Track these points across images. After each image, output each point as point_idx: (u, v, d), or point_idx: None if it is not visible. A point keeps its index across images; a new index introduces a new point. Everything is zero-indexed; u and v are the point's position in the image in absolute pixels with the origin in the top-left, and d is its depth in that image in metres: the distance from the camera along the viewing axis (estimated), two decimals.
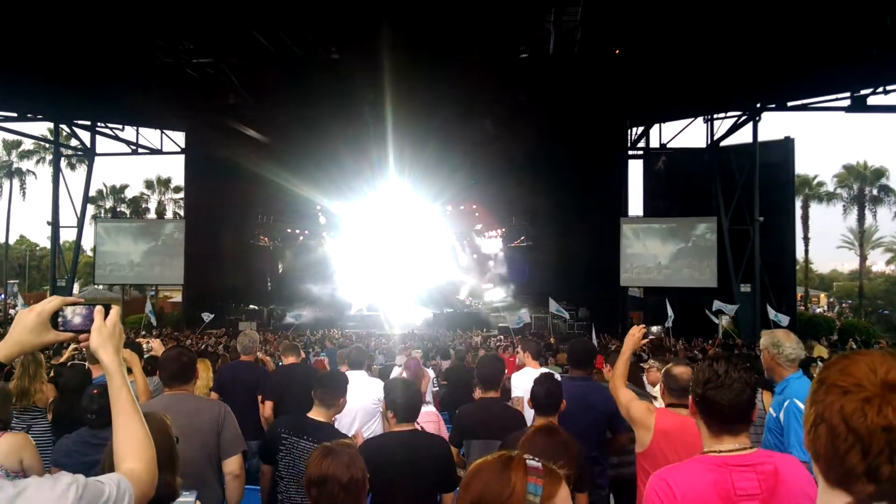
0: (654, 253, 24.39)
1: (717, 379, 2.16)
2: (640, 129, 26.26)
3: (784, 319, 17.21)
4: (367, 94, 20.78)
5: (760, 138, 22.23)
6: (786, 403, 3.60)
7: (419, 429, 3.78)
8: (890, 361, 1.08)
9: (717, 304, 16.63)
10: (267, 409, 5.84)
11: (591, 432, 4.37)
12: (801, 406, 3.24)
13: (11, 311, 36.47)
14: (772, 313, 16.97)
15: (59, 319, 1.61)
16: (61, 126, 25.89)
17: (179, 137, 27.52)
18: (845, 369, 1.09)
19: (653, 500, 2.14)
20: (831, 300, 57.67)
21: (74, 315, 1.63)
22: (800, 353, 3.90)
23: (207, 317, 19.76)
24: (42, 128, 32.56)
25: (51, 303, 1.62)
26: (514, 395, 5.53)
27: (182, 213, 37.85)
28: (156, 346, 5.09)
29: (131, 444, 1.54)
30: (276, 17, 16.72)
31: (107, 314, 1.64)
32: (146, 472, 1.51)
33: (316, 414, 3.76)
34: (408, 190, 28.46)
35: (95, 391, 4.07)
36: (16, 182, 49.16)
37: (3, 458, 3.48)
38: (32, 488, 1.26)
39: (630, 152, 26.79)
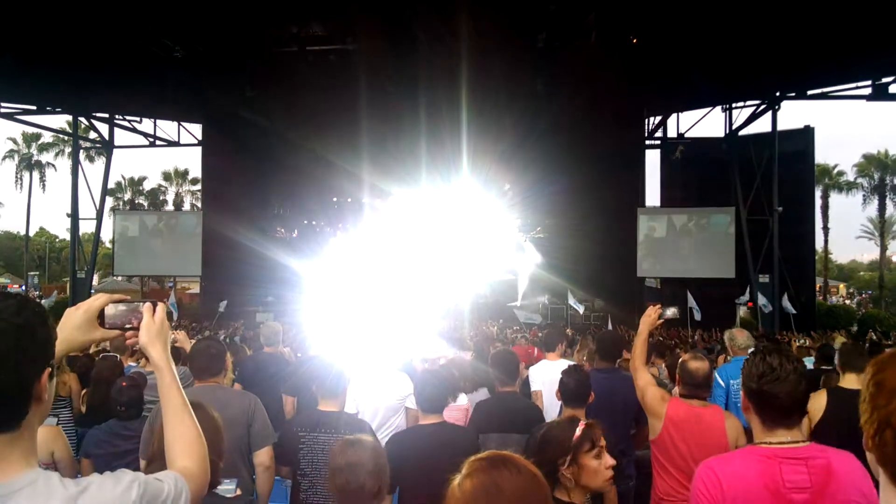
0: (672, 243, 24.24)
1: (773, 372, 2.14)
2: (658, 118, 26.07)
3: (789, 308, 17.14)
4: (384, 83, 20.78)
5: (779, 127, 22.00)
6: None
7: (447, 420, 3.81)
8: None
9: (761, 299, 16.53)
10: (287, 404, 5.87)
11: (620, 424, 4.39)
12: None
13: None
14: (786, 303, 16.91)
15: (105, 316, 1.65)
16: (80, 118, 26.09)
17: (197, 129, 27.70)
18: None
19: (699, 490, 2.15)
20: (851, 290, 57.15)
21: (118, 312, 1.66)
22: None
23: (222, 306, 19.88)
24: (61, 120, 32.86)
25: (98, 300, 1.65)
26: (533, 388, 5.54)
27: (200, 204, 38.10)
28: (180, 338, 5.16)
29: (183, 441, 1.57)
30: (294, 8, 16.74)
31: (154, 311, 1.67)
32: (199, 469, 1.54)
33: (325, 406, 3.81)
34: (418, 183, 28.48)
35: (124, 383, 4.15)
36: (35, 174, 49.79)
37: (38, 451, 3.55)
38: (95, 486, 1.28)
39: (647, 142, 26.60)
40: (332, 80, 20.68)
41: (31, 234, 55.92)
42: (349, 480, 2.44)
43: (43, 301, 25.04)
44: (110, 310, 1.65)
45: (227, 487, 2.74)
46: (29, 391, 1.24)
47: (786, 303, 17.24)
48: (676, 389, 3.85)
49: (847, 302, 49.83)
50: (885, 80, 19.22)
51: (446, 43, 18.12)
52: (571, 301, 17.78)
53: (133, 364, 5.88)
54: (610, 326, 15.49)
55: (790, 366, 2.14)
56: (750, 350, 5.71)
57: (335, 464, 2.49)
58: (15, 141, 49.45)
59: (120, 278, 38.53)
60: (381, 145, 25.39)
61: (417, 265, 35.99)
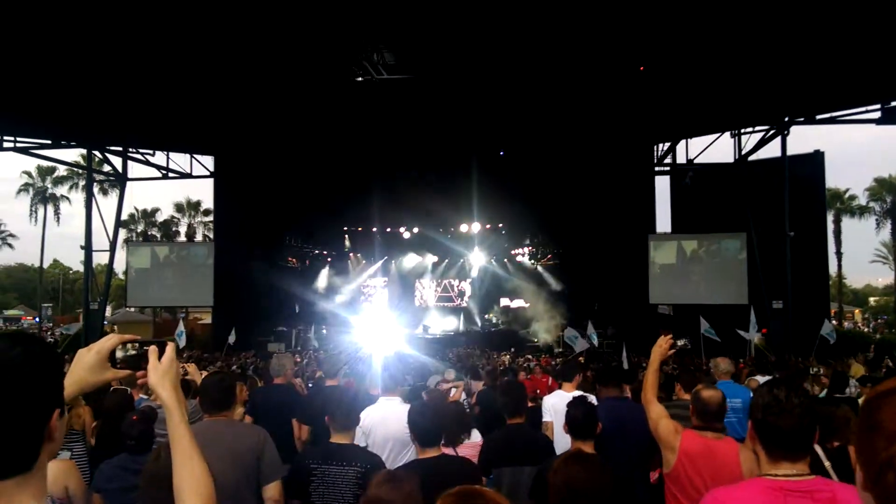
0: (683, 270, 24.14)
1: (778, 405, 2.13)
2: (667, 145, 26.12)
3: (833, 335, 16.85)
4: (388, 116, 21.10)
5: (789, 152, 21.96)
6: None
7: (447, 453, 3.78)
8: None
9: (826, 327, 16.38)
10: (304, 432, 5.85)
11: (632, 453, 4.35)
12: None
13: (46, 335, 37.13)
14: (826, 328, 16.60)
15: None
16: (94, 152, 26.46)
17: (209, 161, 28.00)
18: None
19: None
20: (866, 316, 56.53)
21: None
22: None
23: (232, 337, 19.92)
24: (75, 154, 33.29)
25: (109, 341, 1.67)
26: (544, 419, 5.49)
27: (211, 235, 38.39)
28: (191, 370, 5.16)
29: (191, 480, 1.57)
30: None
31: (162, 352, 1.69)
32: None
33: (338, 438, 3.79)
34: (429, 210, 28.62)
35: (135, 417, 4.16)
36: (50, 207, 50.39)
37: (50, 485, 3.53)
38: None
39: (657, 168, 26.63)
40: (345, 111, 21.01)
41: (45, 266, 56.41)
42: None
43: (65, 330, 25.17)
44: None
45: None
46: (40, 434, 1.25)
47: (828, 329, 16.95)
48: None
49: (863, 327, 49.25)
50: (894, 103, 19.22)
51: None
52: (589, 331, 17.65)
53: (144, 397, 5.89)
54: (624, 355, 15.34)
55: (796, 399, 2.13)
56: (732, 374, 6.81)
57: (369, 495, 2.44)
58: (30, 174, 50.18)
59: (133, 309, 38.73)
60: (392, 177, 25.66)
61: (429, 293, 36.09)
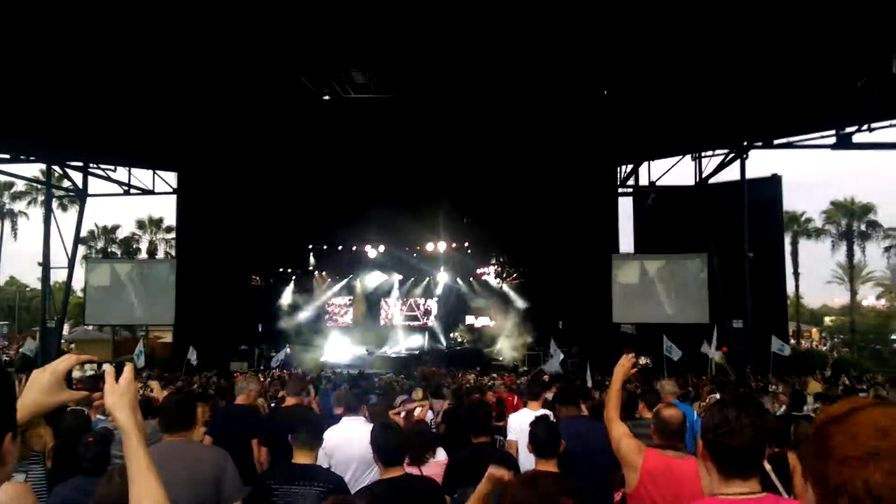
0: (646, 289, 24.47)
1: (728, 425, 2.15)
2: (630, 167, 26.57)
3: (786, 349, 17.25)
4: (355, 135, 21.14)
5: (748, 175, 22.49)
6: None
7: (410, 472, 3.77)
8: (890, 415, 1.07)
9: (775, 343, 16.69)
10: (263, 453, 5.78)
11: (595, 472, 4.37)
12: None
13: (1, 353, 36.08)
14: (775, 344, 17.00)
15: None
16: (53, 167, 25.95)
17: (171, 178, 27.62)
18: (853, 436, 1.07)
19: None
20: (823, 335, 57.79)
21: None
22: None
23: (192, 356, 19.56)
24: (34, 169, 32.66)
25: (64, 361, 1.64)
26: (508, 437, 5.50)
27: (174, 252, 37.78)
28: (155, 388, 5.08)
29: (150, 503, 1.56)
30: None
31: (120, 372, 1.67)
32: None
33: (301, 458, 3.76)
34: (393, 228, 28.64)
35: (91, 438, 4.07)
36: (7, 223, 49.17)
37: None
38: None
39: (620, 190, 27.05)
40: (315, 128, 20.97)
41: (1, 283, 54.95)
42: None
43: (27, 351, 24.50)
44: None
45: None
46: None
47: (777, 345, 17.30)
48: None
49: (820, 346, 50.34)
50: (848, 129, 19.83)
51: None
52: (552, 349, 17.74)
53: (101, 417, 5.76)
54: (588, 373, 15.45)
55: (747, 419, 2.15)
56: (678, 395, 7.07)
57: None
58: None
59: (91, 327, 37.86)
60: (358, 195, 25.59)
61: (396, 312, 35.97)
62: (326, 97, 18.49)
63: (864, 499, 1.01)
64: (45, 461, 5.11)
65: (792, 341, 30.02)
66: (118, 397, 1.63)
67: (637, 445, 3.54)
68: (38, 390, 1.59)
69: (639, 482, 3.39)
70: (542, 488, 2.47)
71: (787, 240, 41.27)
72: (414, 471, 3.87)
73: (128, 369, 1.68)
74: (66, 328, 33.45)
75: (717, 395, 8.47)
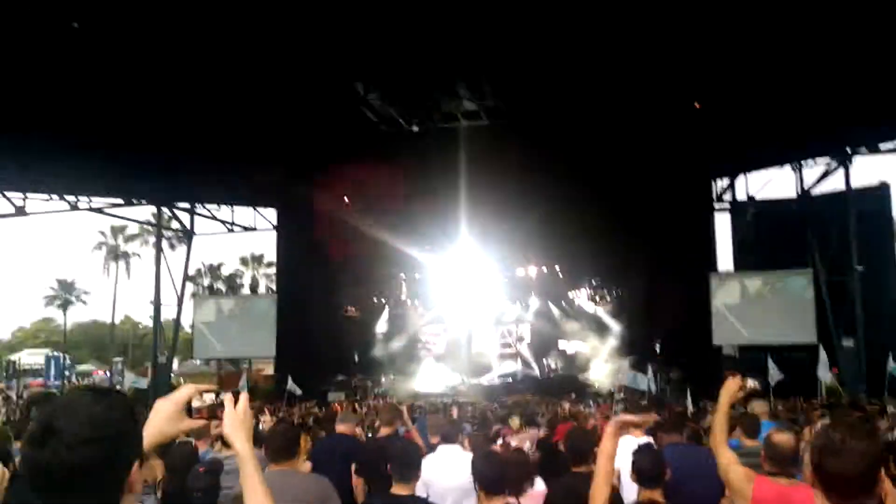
0: (747, 309, 23.40)
1: (833, 447, 2.03)
2: (726, 181, 25.70)
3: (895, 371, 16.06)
4: (446, 163, 21.45)
5: (854, 184, 21.36)
6: None
7: (511, 502, 3.75)
8: None
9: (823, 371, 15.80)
10: (359, 484, 5.85)
11: (706, 500, 4.23)
12: None
13: (118, 388, 38.16)
14: (891, 364, 15.88)
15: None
16: (163, 209, 27.55)
17: (272, 214, 28.78)
18: None
19: None
20: None
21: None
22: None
23: (292, 385, 20.05)
24: (146, 212, 34.73)
25: (185, 391, 1.72)
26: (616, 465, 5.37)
27: (274, 287, 39.16)
28: (267, 419, 5.26)
29: None
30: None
31: (237, 401, 1.76)
32: None
33: (399, 489, 3.80)
34: (484, 254, 28.69)
35: (202, 469, 4.26)
36: (121, 264, 52.42)
37: None
38: None
39: (716, 205, 26.17)
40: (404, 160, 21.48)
41: (117, 321, 58.40)
42: None
43: (135, 384, 25.80)
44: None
45: None
46: (120, 485, 1.31)
47: (893, 365, 16.17)
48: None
49: None
50: None
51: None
52: (648, 376, 17.15)
53: (209, 448, 6.00)
54: (689, 399, 14.89)
55: (853, 442, 2.01)
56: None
57: None
58: (103, 233, 52.43)
59: (198, 362, 39.58)
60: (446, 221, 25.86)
61: (486, 338, 35.85)
62: (415, 128, 18.95)
63: None
64: (156, 493, 5.37)
65: None
66: (238, 425, 1.72)
67: (746, 473, 3.41)
68: (161, 419, 1.67)
69: None
70: None
71: None
72: (513, 501, 3.85)
73: (243, 398, 1.77)
74: (175, 363, 35.09)
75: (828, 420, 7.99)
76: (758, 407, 6.52)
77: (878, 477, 2.04)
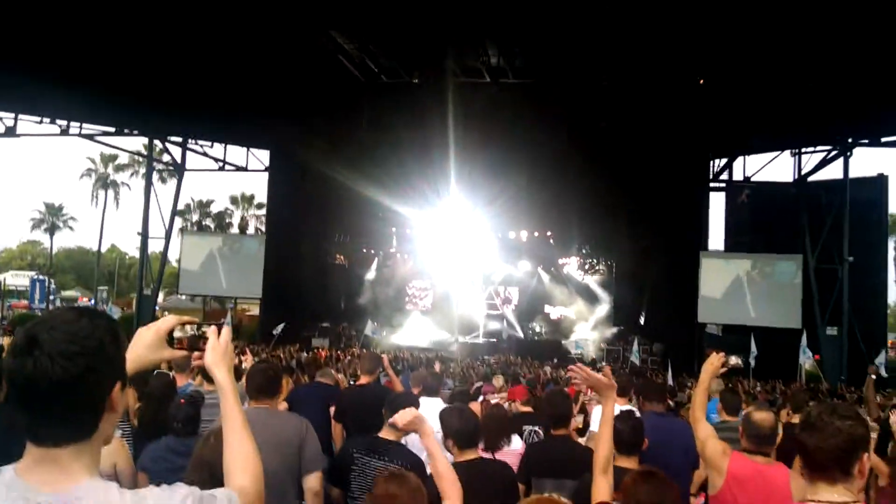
0: (735, 290, 23.55)
1: (812, 424, 2.05)
2: (723, 161, 25.60)
3: (880, 361, 16.27)
4: (443, 118, 21.23)
5: (851, 174, 21.31)
6: None
7: (484, 457, 3.75)
8: None
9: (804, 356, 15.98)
10: (336, 430, 5.88)
11: (681, 471, 4.26)
12: None
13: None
14: (880, 358, 16.06)
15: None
16: (155, 141, 27.24)
17: (264, 155, 28.51)
18: None
19: None
20: None
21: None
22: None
23: (279, 329, 20.16)
24: (137, 143, 34.34)
25: (168, 321, 1.72)
26: (591, 428, 5.41)
27: (263, 229, 39.06)
28: (248, 358, 5.24)
29: (241, 460, 1.59)
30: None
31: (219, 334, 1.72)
32: (254, 488, 1.56)
33: (386, 434, 3.81)
34: (475, 214, 28.57)
35: (183, 401, 4.24)
36: (110, 193, 52.06)
37: (101, 463, 3.62)
38: (151, 499, 1.32)
39: (712, 185, 26.09)
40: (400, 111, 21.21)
41: (103, 250, 58.24)
42: None
43: (110, 312, 25.88)
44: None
45: None
46: (101, 405, 1.29)
47: (881, 359, 16.36)
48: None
49: None
50: None
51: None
52: (634, 349, 17.34)
53: (190, 382, 6.00)
54: (670, 373, 15.06)
55: (829, 418, 2.03)
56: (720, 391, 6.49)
57: (376, 493, 2.45)
58: (93, 161, 51.90)
59: (183, 297, 39.66)
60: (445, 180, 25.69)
61: (475, 299, 36.01)
62: (416, 80, 18.69)
63: None
64: (131, 421, 5.38)
65: (891, 353, 28.33)
66: (220, 356, 1.69)
67: (723, 447, 3.44)
68: (142, 346, 1.67)
69: (724, 485, 3.30)
70: (660, 487, 2.52)
71: (892, 245, 38.86)
72: (486, 455, 3.86)
73: (226, 331, 1.74)
74: (160, 296, 35.15)
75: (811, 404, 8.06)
76: (713, 384, 6.54)
77: (858, 457, 2.03)
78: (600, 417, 3.14)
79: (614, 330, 27.86)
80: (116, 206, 52.70)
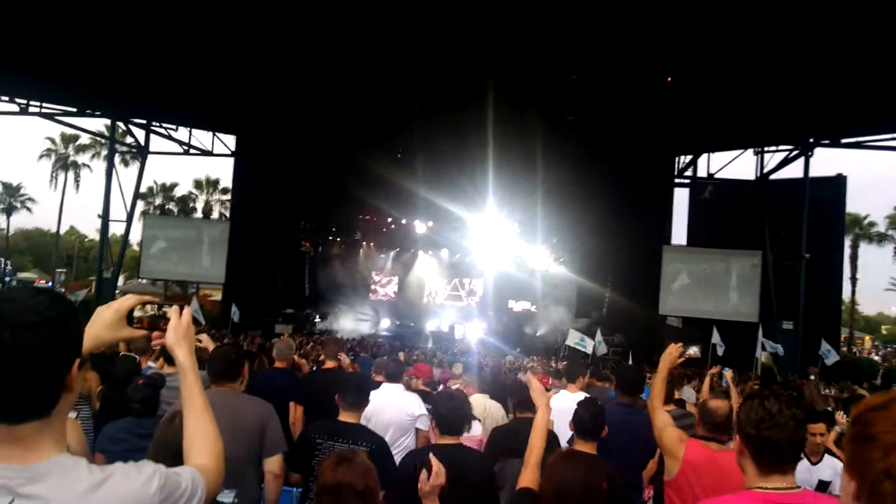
0: (696, 283, 24.02)
1: (772, 418, 2.11)
2: (688, 157, 25.98)
3: (830, 356, 16.79)
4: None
5: (812, 173, 21.79)
6: None
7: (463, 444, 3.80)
8: None
9: (766, 343, 16.30)
10: (297, 413, 5.88)
11: (636, 460, 4.36)
12: None
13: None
14: (823, 347, 16.57)
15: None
16: (118, 123, 26.63)
17: (230, 140, 28.12)
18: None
19: None
20: (876, 343, 56.09)
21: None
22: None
23: (235, 314, 19.98)
24: (99, 124, 33.41)
25: (128, 300, 1.70)
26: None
27: (228, 214, 38.55)
28: (204, 340, 5.19)
29: (202, 439, 1.60)
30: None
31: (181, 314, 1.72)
32: (215, 466, 1.57)
33: (346, 417, 3.84)
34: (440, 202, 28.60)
35: (141, 381, 4.20)
36: (70, 174, 50.81)
37: None
38: (119, 474, 1.33)
39: (676, 180, 26.49)
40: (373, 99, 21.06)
41: (62, 232, 56.92)
42: (335, 500, 2.33)
43: (73, 297, 25.36)
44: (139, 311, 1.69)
45: (226, 500, 2.75)
46: (61, 381, 1.29)
47: (825, 348, 16.85)
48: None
49: (872, 355, 48.87)
50: None
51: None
52: (597, 340, 17.42)
53: (151, 364, 5.95)
54: (630, 362, 15.30)
55: (788, 411, 2.12)
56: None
57: (324, 480, 2.39)
58: (53, 141, 50.56)
59: (144, 281, 39.02)
60: (411, 171, 25.63)
61: (438, 288, 36.11)
62: (385, 64, 18.57)
63: None
64: (93, 404, 5.31)
65: (843, 348, 29.18)
66: (181, 336, 1.69)
67: (679, 435, 3.51)
68: (100, 325, 1.66)
69: (679, 471, 3.38)
70: (582, 467, 2.50)
71: (848, 243, 39.98)
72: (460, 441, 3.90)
73: (187, 312, 1.74)
74: (120, 280, 34.50)
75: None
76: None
77: (805, 441, 2.14)
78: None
79: (577, 322, 28.13)
80: (77, 187, 51.47)
